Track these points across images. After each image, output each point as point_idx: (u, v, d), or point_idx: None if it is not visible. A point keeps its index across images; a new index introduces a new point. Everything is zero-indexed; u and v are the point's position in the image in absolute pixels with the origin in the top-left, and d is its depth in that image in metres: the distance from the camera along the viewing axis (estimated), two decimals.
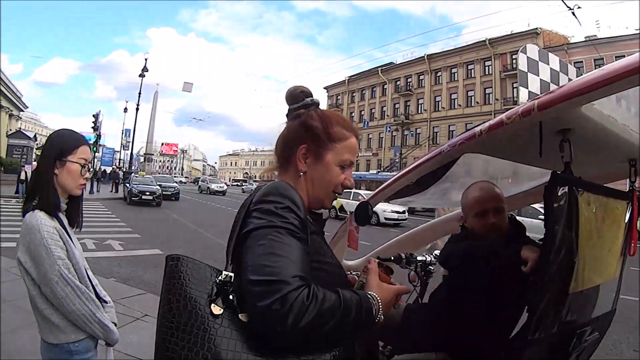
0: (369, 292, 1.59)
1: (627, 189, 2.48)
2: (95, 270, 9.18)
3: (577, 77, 2.31)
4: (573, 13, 21.70)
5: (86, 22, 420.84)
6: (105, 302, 2.63)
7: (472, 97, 59.00)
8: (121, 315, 5.88)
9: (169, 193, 35.81)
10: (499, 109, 51.04)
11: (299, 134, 1.73)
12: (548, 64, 2.30)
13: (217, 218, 25.67)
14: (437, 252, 3.59)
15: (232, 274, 1.49)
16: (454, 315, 2.61)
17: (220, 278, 1.48)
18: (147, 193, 29.69)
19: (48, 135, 2.67)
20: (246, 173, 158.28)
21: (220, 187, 62.18)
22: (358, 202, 3.23)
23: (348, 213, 3.52)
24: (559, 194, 1.94)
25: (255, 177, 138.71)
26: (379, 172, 56.92)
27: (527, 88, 2.21)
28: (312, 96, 1.81)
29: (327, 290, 1.45)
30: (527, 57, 2.27)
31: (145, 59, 47.98)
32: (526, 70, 2.25)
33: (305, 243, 1.52)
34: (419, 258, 3.49)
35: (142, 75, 46.97)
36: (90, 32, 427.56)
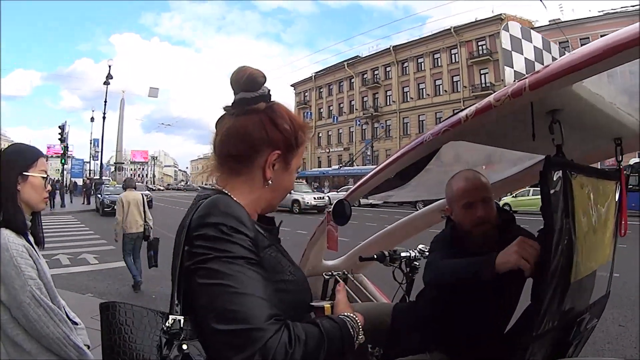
0: (347, 315, 1.46)
1: (615, 169, 2.39)
2: (71, 286, 8.96)
3: (559, 55, 2.21)
4: None
5: (47, 30, 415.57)
6: (76, 323, 2.47)
7: (440, 86, 59.50)
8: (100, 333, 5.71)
9: None
10: (468, 96, 52.57)
11: (272, 137, 1.50)
12: (531, 42, 2.17)
13: None
14: (421, 246, 3.51)
15: (180, 318, 1.28)
16: (446, 315, 2.50)
17: (167, 324, 1.27)
18: None
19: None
20: None
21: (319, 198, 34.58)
22: (336, 201, 3.07)
23: (325, 212, 3.35)
24: (554, 179, 1.82)
25: None
26: (340, 167, 57.06)
27: (512, 67, 2.08)
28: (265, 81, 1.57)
29: (306, 325, 1.31)
30: (510, 34, 2.14)
31: (109, 66, 47.56)
32: (510, 49, 2.11)
33: (262, 267, 1.32)
34: (402, 254, 3.40)
35: (107, 83, 46.35)
36: (52, 41, 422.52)
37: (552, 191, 1.81)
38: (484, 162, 3.21)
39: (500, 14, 52.57)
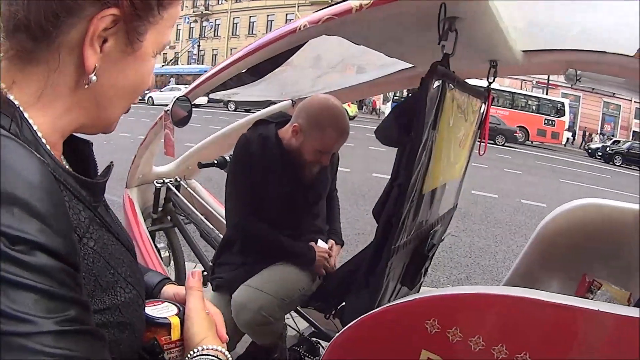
0: (210, 350, 0.82)
1: (484, 88, 2.36)
2: None
3: None
4: None
5: None
6: None
7: None
8: None
9: None
10: (303, 2, 51.31)
11: None
12: None
13: None
14: None
15: None
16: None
17: None
18: None
19: None
20: None
21: None
22: (174, 98, 2.57)
23: (163, 111, 2.74)
24: (434, 87, 1.70)
25: None
26: (163, 65, 53.80)
27: None
28: None
29: None
30: None
31: None
32: None
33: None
34: None
35: None
36: None
37: (428, 100, 1.68)
38: (348, 63, 3.03)
39: None
